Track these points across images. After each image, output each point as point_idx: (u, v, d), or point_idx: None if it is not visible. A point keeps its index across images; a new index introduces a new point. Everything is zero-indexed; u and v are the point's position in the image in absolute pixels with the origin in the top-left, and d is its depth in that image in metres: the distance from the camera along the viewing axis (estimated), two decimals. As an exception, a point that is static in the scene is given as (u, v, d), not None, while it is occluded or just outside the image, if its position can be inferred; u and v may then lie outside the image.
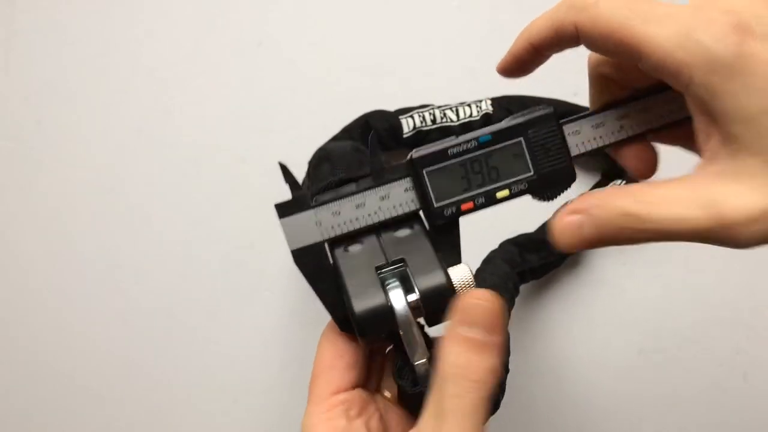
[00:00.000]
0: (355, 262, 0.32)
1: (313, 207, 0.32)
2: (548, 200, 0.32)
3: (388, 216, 0.32)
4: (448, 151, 0.32)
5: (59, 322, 0.56)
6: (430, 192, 0.32)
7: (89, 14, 0.56)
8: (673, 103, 0.31)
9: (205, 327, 0.55)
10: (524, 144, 0.31)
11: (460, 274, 0.31)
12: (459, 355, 0.27)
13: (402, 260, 0.31)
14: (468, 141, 0.31)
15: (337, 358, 0.32)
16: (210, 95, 0.56)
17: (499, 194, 0.32)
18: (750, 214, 0.24)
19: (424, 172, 0.32)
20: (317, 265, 0.32)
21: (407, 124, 0.51)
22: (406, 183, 0.32)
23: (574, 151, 0.32)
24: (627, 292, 0.53)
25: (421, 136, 0.52)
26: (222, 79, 0.56)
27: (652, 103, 0.31)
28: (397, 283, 0.30)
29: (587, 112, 0.32)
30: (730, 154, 0.25)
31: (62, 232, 0.56)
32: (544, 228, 0.51)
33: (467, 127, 0.51)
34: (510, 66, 0.31)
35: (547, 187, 0.32)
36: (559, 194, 0.32)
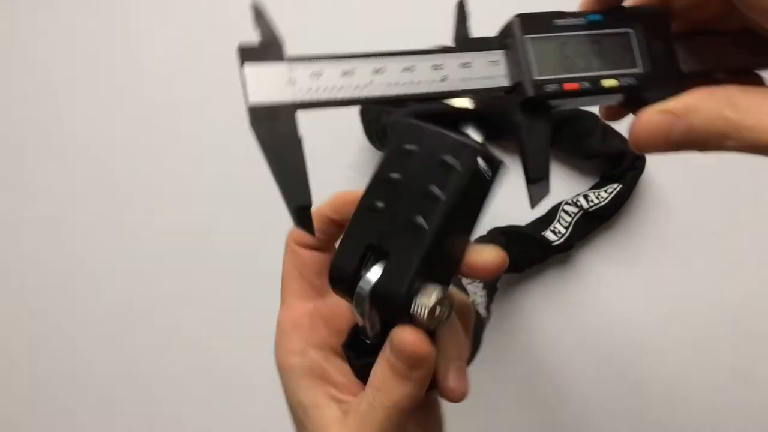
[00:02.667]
0: (363, 219, 0.28)
1: (291, 59, 0.26)
2: (658, 100, 0.28)
3: (464, 87, 0.27)
4: (554, 22, 0.28)
5: (59, 322, 0.56)
6: (533, 60, 0.27)
7: (89, 14, 0.57)
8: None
9: (205, 327, 0.55)
10: (635, 37, 0.28)
11: (422, 303, 0.26)
12: (383, 374, 0.28)
13: (387, 253, 0.27)
14: (576, 15, 0.28)
15: (304, 267, 0.34)
16: (210, 95, 0.56)
17: (606, 82, 0.28)
18: None
19: (526, 38, 0.27)
20: (282, 135, 0.26)
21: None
22: (494, 55, 0.27)
23: (687, 69, 0.29)
24: (626, 292, 0.53)
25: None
26: (222, 78, 0.56)
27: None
28: (376, 269, 0.27)
29: (697, 31, 0.29)
30: None
31: (62, 232, 0.56)
32: (533, 224, 0.51)
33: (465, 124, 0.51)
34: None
35: (656, 88, 0.28)
36: (666, 98, 0.27)
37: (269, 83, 0.26)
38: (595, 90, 0.28)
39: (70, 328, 0.56)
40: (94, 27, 0.57)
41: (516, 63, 0.27)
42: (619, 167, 0.51)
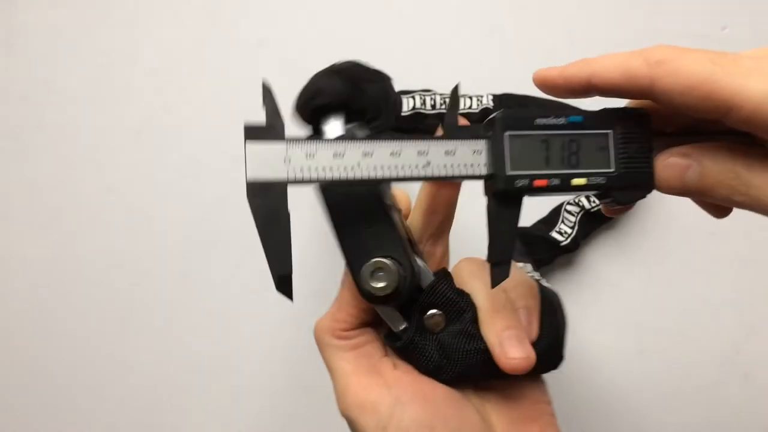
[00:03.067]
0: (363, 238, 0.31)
1: (289, 140, 0.29)
2: (622, 204, 0.31)
3: (364, 175, 0.29)
4: (535, 121, 0.30)
5: (59, 322, 0.55)
6: (507, 156, 0.29)
7: (89, 15, 0.56)
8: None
9: (205, 327, 0.55)
10: (611, 137, 0.30)
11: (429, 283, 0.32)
12: None
13: (389, 256, 0.31)
14: (557, 116, 0.30)
15: (357, 367, 0.33)
16: (210, 95, 0.56)
17: (575, 181, 0.30)
18: None
19: (506, 134, 0.29)
20: (272, 208, 0.29)
21: (407, 104, 0.51)
22: (475, 144, 0.30)
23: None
24: (627, 292, 0.53)
25: (420, 119, 0.52)
26: (222, 79, 0.56)
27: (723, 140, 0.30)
28: (382, 274, 0.31)
29: (677, 133, 0.31)
30: None
31: (62, 232, 0.56)
32: (537, 226, 0.51)
33: (467, 117, 0.52)
34: (555, 84, 0.30)
35: (624, 189, 0.30)
36: (635, 200, 0.31)
37: (267, 161, 0.29)
38: (563, 187, 0.30)
39: (70, 329, 0.56)
40: (94, 27, 0.57)
41: (495, 155, 0.30)
42: None
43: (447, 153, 0.30)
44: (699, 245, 0.53)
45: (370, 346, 0.33)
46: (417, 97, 0.51)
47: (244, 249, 0.55)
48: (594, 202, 0.51)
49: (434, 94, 0.51)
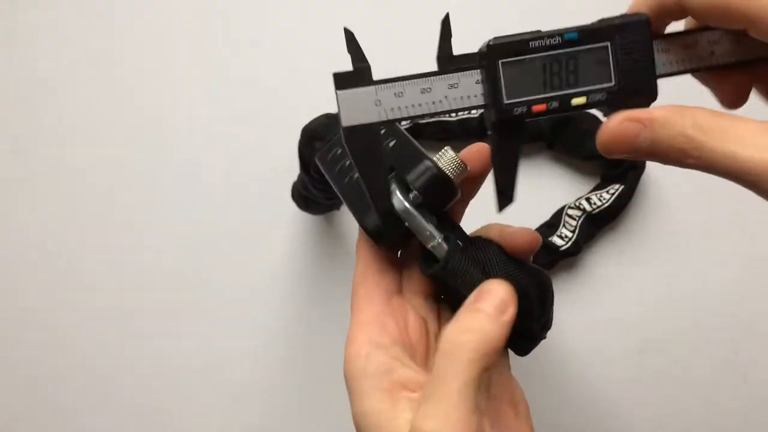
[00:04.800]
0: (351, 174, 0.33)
1: (376, 83, 0.30)
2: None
3: (453, 107, 0.30)
4: (530, 44, 0.29)
5: (59, 322, 0.55)
6: (503, 85, 0.29)
7: (89, 14, 0.56)
8: None
9: (205, 327, 0.55)
10: (611, 50, 0.29)
11: (446, 158, 0.32)
12: (473, 320, 0.29)
13: (391, 168, 0.33)
14: (552, 36, 0.29)
15: (370, 269, 0.34)
16: (210, 96, 0.56)
17: (575, 101, 0.29)
18: None
19: (499, 62, 0.29)
20: (369, 148, 0.30)
21: None
22: (478, 75, 0.30)
23: (660, 70, 0.30)
24: (627, 292, 0.53)
25: (418, 128, 0.52)
26: (221, 79, 0.56)
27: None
28: (394, 186, 0.32)
29: (680, 31, 0.30)
30: None
31: (62, 232, 0.56)
32: (540, 230, 0.51)
33: (465, 123, 0.51)
34: None
35: (624, 102, 0.29)
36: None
37: (359, 106, 0.29)
38: (563, 109, 0.29)
39: (69, 328, 0.56)
40: (94, 27, 0.57)
41: (490, 85, 0.29)
42: (620, 168, 0.51)
43: (450, 87, 0.30)
44: (699, 245, 0.53)
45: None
46: None
47: (244, 249, 0.55)
48: (595, 203, 0.50)
49: None
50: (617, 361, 0.53)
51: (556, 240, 0.50)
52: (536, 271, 0.33)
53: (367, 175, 0.30)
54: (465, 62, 0.30)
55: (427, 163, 0.33)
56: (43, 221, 0.56)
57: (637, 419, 0.53)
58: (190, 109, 0.56)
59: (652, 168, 0.52)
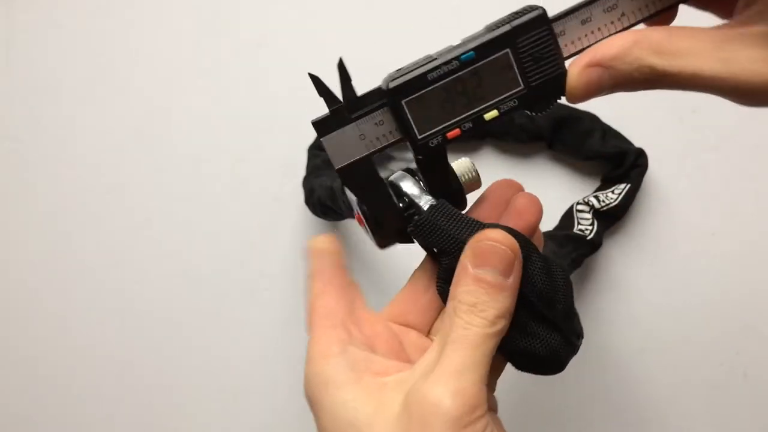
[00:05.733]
0: None
1: (356, 119, 0.29)
2: (540, 112, 0.30)
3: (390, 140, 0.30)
4: (428, 76, 0.28)
5: (59, 322, 0.56)
6: (412, 124, 0.29)
7: (89, 14, 0.56)
8: None
9: (205, 327, 0.55)
10: (512, 56, 0.28)
11: (462, 166, 0.32)
12: (469, 294, 0.27)
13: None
14: (448, 62, 0.28)
15: (329, 285, 0.31)
16: (210, 95, 0.56)
17: (488, 115, 0.29)
18: (763, 78, 0.25)
19: (402, 103, 0.29)
20: (367, 181, 0.30)
21: None
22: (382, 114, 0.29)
23: (569, 51, 0.29)
24: (628, 291, 0.53)
25: None
26: (222, 79, 0.56)
27: None
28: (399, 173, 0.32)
29: (573, 6, 0.29)
30: (759, 17, 0.25)
31: (62, 232, 0.56)
32: (559, 227, 0.51)
33: None
34: None
35: (538, 100, 0.29)
36: (552, 105, 0.29)
37: (345, 145, 0.29)
38: (479, 126, 0.29)
39: (70, 329, 0.56)
40: (93, 27, 0.56)
41: (401, 126, 0.29)
42: (621, 167, 0.51)
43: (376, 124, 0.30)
44: (699, 245, 0.53)
45: None
46: None
47: (244, 248, 0.55)
48: (603, 201, 0.50)
49: None
50: (617, 361, 0.53)
51: (578, 232, 0.50)
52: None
53: (374, 204, 0.30)
54: (373, 100, 0.29)
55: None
56: (43, 220, 0.56)
57: (637, 419, 0.53)
58: (192, 109, 0.56)
59: (651, 168, 0.52)
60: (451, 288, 0.28)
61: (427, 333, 0.33)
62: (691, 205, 0.53)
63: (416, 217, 0.30)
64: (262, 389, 0.54)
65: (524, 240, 0.29)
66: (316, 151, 0.53)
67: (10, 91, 0.56)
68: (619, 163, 0.51)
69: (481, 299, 0.27)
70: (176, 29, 0.56)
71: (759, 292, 0.52)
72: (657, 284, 0.53)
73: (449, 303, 0.28)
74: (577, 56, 0.28)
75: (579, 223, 0.50)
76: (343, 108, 0.29)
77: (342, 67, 0.29)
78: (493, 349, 0.27)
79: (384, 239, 0.32)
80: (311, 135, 0.52)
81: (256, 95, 0.55)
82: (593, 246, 0.50)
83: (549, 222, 0.52)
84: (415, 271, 0.33)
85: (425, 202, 0.30)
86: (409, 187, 0.31)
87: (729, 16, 0.28)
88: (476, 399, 0.26)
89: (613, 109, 0.52)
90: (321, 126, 0.29)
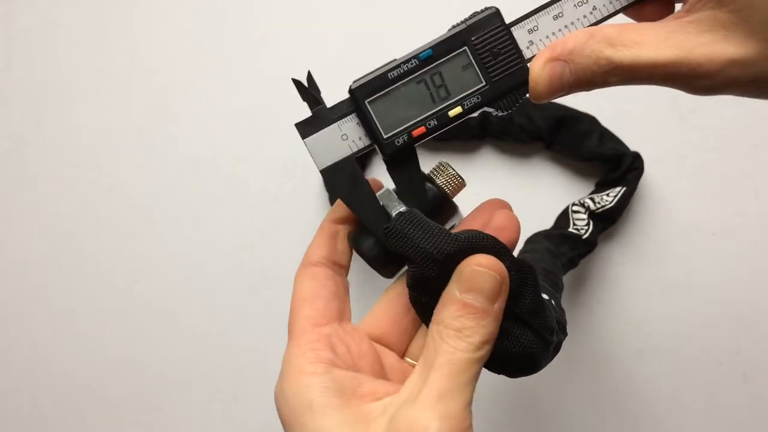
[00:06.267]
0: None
1: (337, 119, 0.30)
2: (506, 111, 0.30)
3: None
4: (388, 75, 0.29)
5: (59, 322, 0.56)
6: (376, 123, 0.30)
7: (89, 14, 0.57)
8: None
9: (205, 326, 0.55)
10: (469, 53, 0.29)
11: (445, 174, 0.32)
12: (455, 319, 0.27)
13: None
14: (408, 60, 0.29)
15: (320, 288, 0.31)
16: (210, 95, 0.56)
17: (452, 112, 0.30)
18: (719, 62, 0.26)
19: (365, 102, 0.29)
20: (350, 181, 0.30)
21: None
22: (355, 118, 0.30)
23: (536, 50, 0.29)
24: (627, 291, 0.53)
25: None
26: (222, 79, 0.56)
27: None
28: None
29: (544, 3, 0.29)
30: (711, 6, 0.26)
31: (62, 232, 0.56)
32: (557, 225, 0.51)
33: (465, 123, 0.51)
34: None
35: (502, 95, 0.29)
36: (518, 102, 0.30)
37: (327, 146, 0.30)
38: (443, 124, 0.30)
39: (70, 329, 0.56)
40: (94, 27, 0.57)
41: (366, 127, 0.30)
42: (618, 170, 0.51)
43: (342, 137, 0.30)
44: (699, 245, 0.53)
45: None
46: None
47: (243, 248, 0.55)
48: (599, 203, 0.50)
49: None
50: (617, 361, 0.53)
51: (574, 231, 0.50)
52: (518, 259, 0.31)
53: (358, 204, 0.30)
54: (342, 109, 0.30)
55: (426, 184, 0.32)
56: (43, 220, 0.56)
57: (637, 419, 0.53)
58: (192, 109, 0.56)
59: (650, 169, 0.52)
60: (436, 311, 0.28)
61: (402, 355, 0.33)
62: (691, 205, 0.53)
63: (385, 226, 0.30)
64: (262, 389, 0.54)
65: (493, 240, 0.29)
66: None
67: (10, 91, 0.57)
68: (615, 165, 0.51)
69: (467, 324, 0.27)
70: (176, 29, 0.56)
71: (759, 293, 0.52)
72: (657, 284, 0.53)
73: (433, 326, 0.28)
74: (537, 54, 0.28)
75: (574, 224, 0.50)
76: (325, 109, 0.30)
77: (310, 79, 0.30)
78: (478, 372, 0.27)
79: (383, 263, 0.31)
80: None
81: (256, 95, 0.55)
82: (589, 245, 0.50)
83: (546, 221, 0.52)
84: (393, 286, 0.33)
85: (394, 209, 0.30)
86: (385, 196, 0.31)
87: None
88: (464, 423, 0.26)
89: (613, 109, 0.52)
90: (304, 127, 0.30)
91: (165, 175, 0.55)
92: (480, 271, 0.27)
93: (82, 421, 0.55)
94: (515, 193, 0.53)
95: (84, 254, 0.56)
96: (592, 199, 0.50)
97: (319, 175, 0.53)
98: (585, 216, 0.50)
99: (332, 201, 0.52)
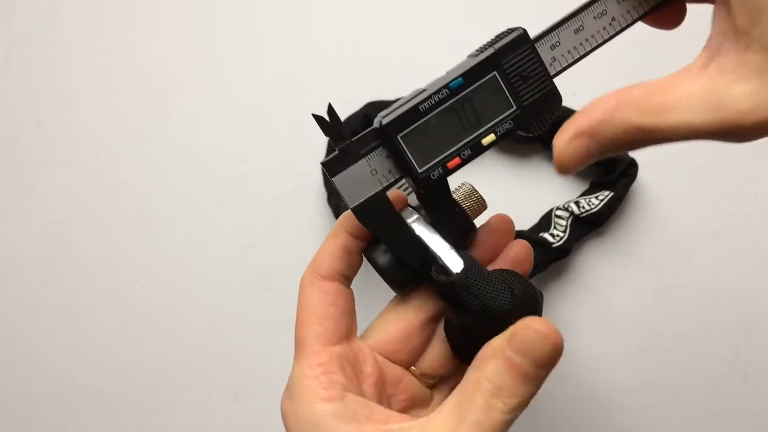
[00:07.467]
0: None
1: (364, 155, 0.29)
2: (536, 133, 0.30)
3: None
4: (420, 108, 0.29)
5: (59, 322, 0.56)
6: (411, 158, 0.29)
7: (89, 14, 0.57)
8: None
9: (205, 327, 0.55)
10: (499, 78, 0.29)
11: (465, 193, 0.32)
12: (499, 375, 0.26)
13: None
14: (438, 91, 0.28)
15: (331, 305, 0.31)
16: (210, 95, 0.56)
17: (485, 140, 0.29)
18: (758, 113, 0.23)
19: (398, 138, 0.29)
20: (382, 216, 0.30)
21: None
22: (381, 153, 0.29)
23: (559, 66, 0.29)
24: (627, 292, 0.53)
25: None
26: (222, 79, 0.56)
27: None
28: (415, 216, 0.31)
29: (563, 17, 0.29)
30: (736, 49, 0.24)
31: (62, 232, 0.56)
32: (531, 231, 0.51)
33: None
34: None
35: (533, 119, 0.29)
36: (548, 123, 0.30)
37: (357, 182, 0.29)
38: (478, 152, 0.29)
39: (70, 329, 0.56)
40: (94, 27, 0.57)
41: (399, 162, 0.29)
42: (611, 174, 0.51)
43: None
44: (699, 245, 0.53)
45: None
46: None
47: (244, 248, 0.55)
48: (584, 207, 0.50)
49: None
50: (616, 361, 0.53)
51: (547, 237, 0.50)
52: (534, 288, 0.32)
53: (391, 238, 0.30)
54: (368, 142, 0.29)
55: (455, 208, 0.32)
56: (43, 220, 0.56)
57: (637, 419, 0.53)
58: (192, 109, 0.56)
59: (650, 169, 0.52)
60: (480, 357, 0.27)
61: (408, 366, 0.33)
62: (691, 205, 0.53)
63: (442, 277, 0.29)
64: (262, 389, 0.54)
65: (539, 296, 0.30)
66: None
67: (11, 91, 0.57)
68: (609, 169, 0.51)
69: (507, 384, 0.26)
70: (176, 29, 0.56)
71: (759, 293, 0.52)
72: (657, 284, 0.53)
73: (474, 372, 0.27)
74: (561, 128, 0.27)
75: (555, 227, 0.50)
76: (352, 145, 0.29)
77: (331, 112, 0.29)
78: (507, 429, 0.27)
79: (402, 282, 0.31)
80: (312, 135, 0.52)
81: (256, 95, 0.55)
82: (560, 253, 0.50)
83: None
84: (405, 305, 0.32)
85: (451, 258, 0.29)
86: (427, 235, 0.30)
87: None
88: None
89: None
90: (331, 165, 0.29)
91: (165, 175, 0.55)
92: (536, 338, 0.26)
93: (82, 421, 0.55)
94: (514, 193, 0.53)
95: (84, 254, 0.56)
96: (578, 204, 0.50)
97: (320, 175, 0.54)
98: (565, 222, 0.50)
99: (330, 203, 0.52)
